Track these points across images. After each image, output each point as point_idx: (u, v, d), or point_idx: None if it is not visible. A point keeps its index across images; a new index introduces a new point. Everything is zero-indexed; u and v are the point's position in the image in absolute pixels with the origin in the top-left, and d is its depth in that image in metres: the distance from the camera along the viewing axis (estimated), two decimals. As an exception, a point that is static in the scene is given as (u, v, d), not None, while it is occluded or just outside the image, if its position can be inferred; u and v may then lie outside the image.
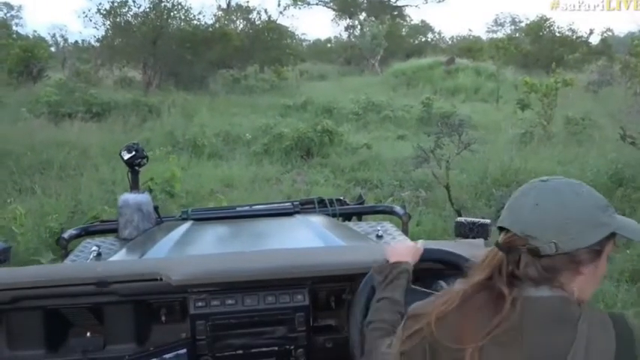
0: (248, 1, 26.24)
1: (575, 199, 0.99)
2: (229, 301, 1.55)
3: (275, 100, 14.71)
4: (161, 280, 1.51)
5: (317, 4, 34.20)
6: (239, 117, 11.84)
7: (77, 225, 2.97)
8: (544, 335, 0.93)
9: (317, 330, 1.64)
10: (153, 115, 11.45)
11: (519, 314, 0.94)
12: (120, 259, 1.98)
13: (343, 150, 8.79)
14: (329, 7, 34.73)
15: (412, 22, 35.46)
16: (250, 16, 22.44)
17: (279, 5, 30.21)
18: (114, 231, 2.50)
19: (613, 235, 1.00)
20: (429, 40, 35.87)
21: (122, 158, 2.43)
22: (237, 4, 24.34)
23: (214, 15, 22.02)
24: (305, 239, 2.12)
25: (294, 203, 2.73)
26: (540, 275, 0.96)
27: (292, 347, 1.59)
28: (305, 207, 2.76)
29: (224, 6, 24.71)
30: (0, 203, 5.25)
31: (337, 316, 1.67)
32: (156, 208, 2.54)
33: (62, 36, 30.53)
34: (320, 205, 2.80)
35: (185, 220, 2.48)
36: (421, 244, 1.52)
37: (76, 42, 26.87)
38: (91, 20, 17.74)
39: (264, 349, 1.58)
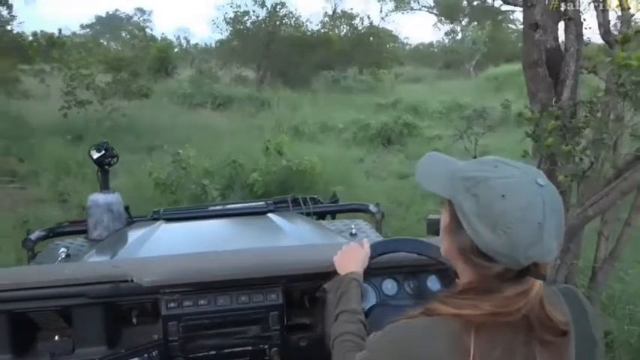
0: (352, 8, 28.08)
1: None
2: (202, 302, 1.53)
3: (370, 99, 16.18)
4: (132, 281, 1.48)
5: (420, 9, 35.26)
6: (335, 112, 13.44)
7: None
8: None
9: (291, 329, 1.61)
10: (264, 107, 13.78)
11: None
12: (89, 261, 1.94)
13: (419, 140, 10.29)
14: (432, 13, 35.65)
15: (520, 27, 35.01)
16: (353, 22, 24.29)
17: (381, 11, 31.89)
18: (83, 232, 2.44)
19: None
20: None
21: (91, 157, 2.35)
22: (342, 11, 26.39)
23: (321, 21, 24.18)
24: (278, 238, 2.14)
25: (268, 202, 2.71)
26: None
27: (266, 346, 1.57)
28: (279, 206, 2.74)
29: (330, 12, 26.94)
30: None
31: (311, 315, 1.64)
32: (126, 208, 2.47)
33: (185, 38, 34.96)
34: (294, 204, 2.78)
35: (156, 220, 2.45)
36: (365, 244, 1.50)
37: (197, 44, 30.61)
38: (217, 27, 20.62)
39: (237, 349, 1.56)
